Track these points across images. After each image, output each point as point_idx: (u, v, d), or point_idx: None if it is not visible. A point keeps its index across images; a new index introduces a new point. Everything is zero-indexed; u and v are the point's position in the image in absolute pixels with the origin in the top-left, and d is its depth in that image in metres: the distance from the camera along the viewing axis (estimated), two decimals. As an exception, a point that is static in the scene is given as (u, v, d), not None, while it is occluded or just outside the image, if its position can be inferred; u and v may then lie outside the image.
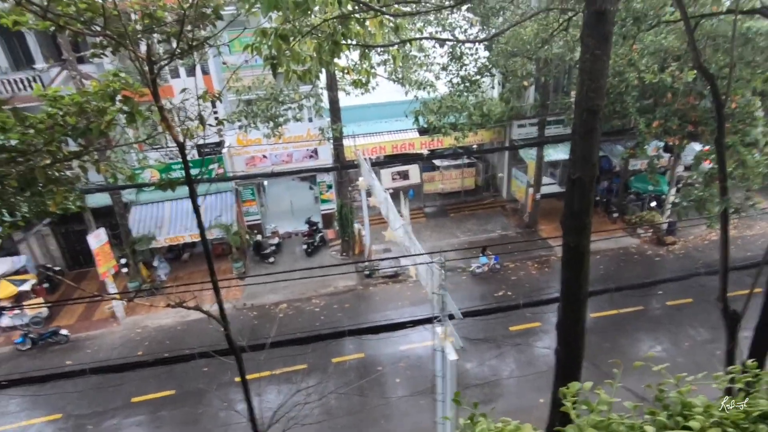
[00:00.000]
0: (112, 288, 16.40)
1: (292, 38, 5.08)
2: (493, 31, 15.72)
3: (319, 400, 11.61)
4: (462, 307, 9.09)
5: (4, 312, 16.27)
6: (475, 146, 23.81)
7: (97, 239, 15.54)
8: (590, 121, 5.61)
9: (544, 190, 20.78)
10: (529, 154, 20.69)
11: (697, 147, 17.62)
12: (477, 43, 15.97)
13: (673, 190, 19.05)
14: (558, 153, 20.60)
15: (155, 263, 18.96)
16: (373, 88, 13.05)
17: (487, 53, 17.04)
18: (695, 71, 11.69)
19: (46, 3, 4.92)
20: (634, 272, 17.54)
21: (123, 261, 17.56)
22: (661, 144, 18.18)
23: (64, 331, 15.78)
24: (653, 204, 20.83)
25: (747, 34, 12.15)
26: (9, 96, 15.12)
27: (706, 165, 14.03)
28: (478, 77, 16.89)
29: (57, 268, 19.17)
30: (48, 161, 4.97)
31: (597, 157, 5.95)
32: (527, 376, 13.13)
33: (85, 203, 14.66)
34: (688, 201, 12.39)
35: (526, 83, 18.17)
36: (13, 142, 5.10)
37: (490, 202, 24.32)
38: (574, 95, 6.34)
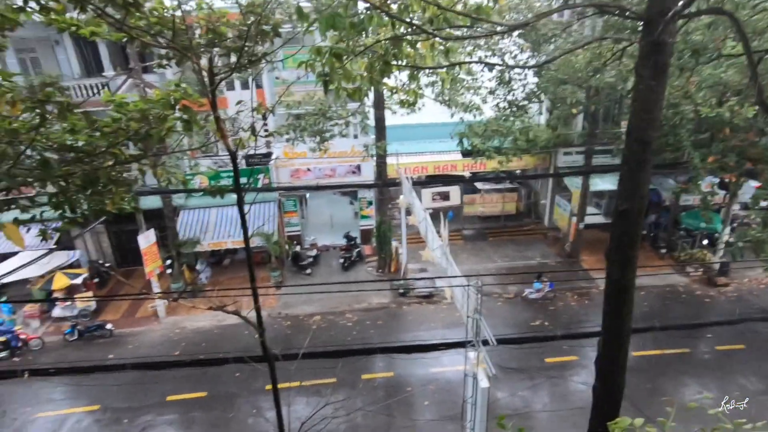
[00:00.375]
0: (156, 287, 17.05)
1: (345, 57, 5.25)
2: (544, 57, 15.63)
3: (347, 415, 11.56)
4: (496, 333, 8.89)
5: (57, 303, 17.19)
6: (518, 171, 23.55)
7: (147, 240, 16.25)
8: (641, 152, 5.49)
9: (588, 220, 20.22)
10: (574, 183, 20.26)
11: (755, 185, 16.75)
12: (526, 69, 15.93)
13: (728, 229, 18.13)
14: (605, 183, 20.07)
15: (198, 266, 19.58)
16: (419, 109, 13.20)
17: (536, 79, 16.94)
18: (756, 107, 11.21)
19: (120, 16, 5.29)
20: (681, 312, 16.69)
21: (168, 262, 18.26)
22: (716, 180, 17.39)
23: (109, 326, 16.47)
24: (705, 242, 19.86)
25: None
26: (82, 100, 16.17)
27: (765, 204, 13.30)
28: (525, 102, 16.79)
29: (107, 265, 20.13)
30: (111, 163, 5.28)
31: (647, 190, 5.79)
32: (561, 411, 12.64)
33: (138, 204, 15.39)
34: (743, 241, 11.74)
35: (574, 111, 17.89)
36: (80, 143, 5.46)
37: (531, 228, 23.86)
38: (625, 125, 6.21)
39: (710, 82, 13.06)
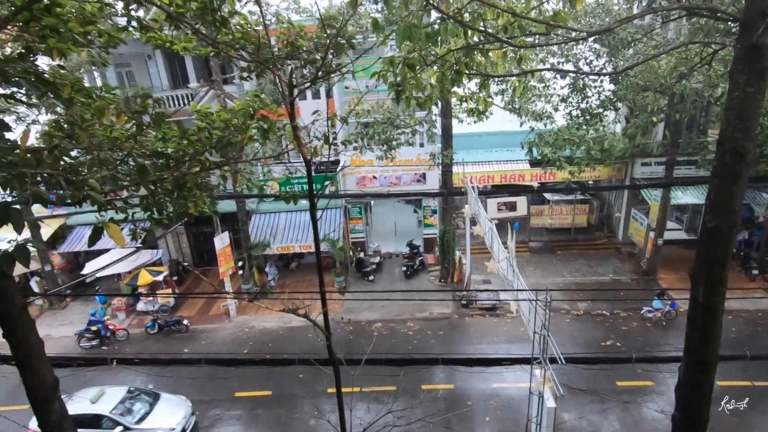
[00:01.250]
0: (228, 287, 17.93)
1: (417, 67, 5.30)
2: (622, 63, 14.90)
3: (407, 425, 11.49)
4: (564, 351, 8.52)
5: (141, 297, 18.54)
6: (590, 182, 22.53)
7: (221, 241, 17.16)
8: (735, 164, 5.08)
9: (668, 235, 18.92)
10: (652, 195, 19.07)
11: None
12: (603, 76, 15.26)
13: (835, 250, 16.30)
14: (687, 196, 18.74)
15: (267, 269, 20.38)
16: (488, 117, 13.01)
17: (612, 86, 16.18)
18: None
19: (209, 32, 5.68)
20: (776, 340, 15.17)
21: (240, 264, 19.16)
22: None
23: (185, 321, 17.53)
24: (806, 264, 17.99)
25: None
26: (173, 110, 17.45)
27: None
28: (600, 110, 16.07)
29: (186, 264, 21.46)
30: (197, 168, 5.65)
31: (740, 205, 5.35)
32: (634, 438, 11.87)
33: (216, 208, 16.30)
34: None
35: (655, 119, 16.88)
36: (170, 150, 5.90)
37: (603, 242, 22.71)
38: (713, 134, 5.79)
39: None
